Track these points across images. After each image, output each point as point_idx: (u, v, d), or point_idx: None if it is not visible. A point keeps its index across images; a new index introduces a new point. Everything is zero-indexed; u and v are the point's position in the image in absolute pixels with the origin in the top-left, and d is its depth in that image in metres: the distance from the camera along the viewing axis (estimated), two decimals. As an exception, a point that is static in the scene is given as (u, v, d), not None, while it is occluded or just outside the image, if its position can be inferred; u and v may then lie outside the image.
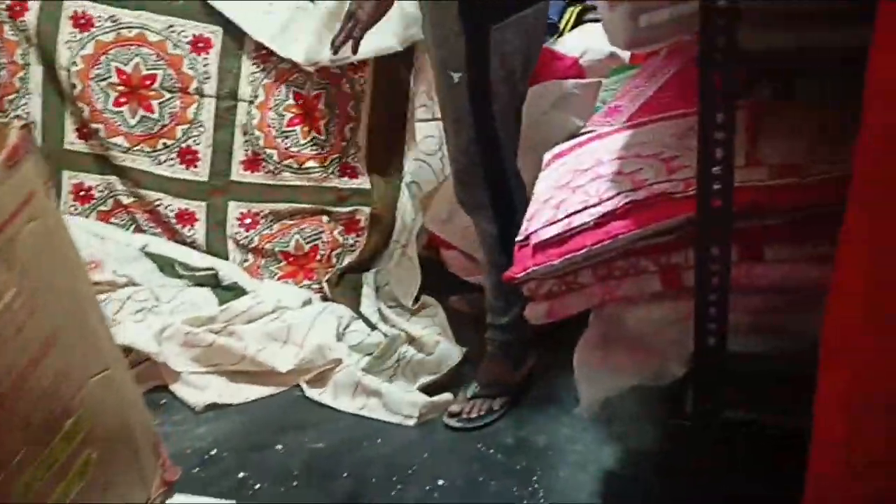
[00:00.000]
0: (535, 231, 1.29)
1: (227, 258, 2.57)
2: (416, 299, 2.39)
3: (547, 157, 1.54)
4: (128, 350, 2.08)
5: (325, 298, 2.45)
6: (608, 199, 1.24)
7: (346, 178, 2.54)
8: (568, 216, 1.27)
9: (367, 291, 2.45)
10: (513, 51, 1.74)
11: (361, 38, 1.80)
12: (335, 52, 1.83)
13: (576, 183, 1.33)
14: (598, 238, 1.22)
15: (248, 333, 2.18)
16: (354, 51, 1.84)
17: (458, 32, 1.71)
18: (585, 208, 1.26)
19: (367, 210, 2.54)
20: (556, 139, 2.25)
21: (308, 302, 2.32)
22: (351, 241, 2.55)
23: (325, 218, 2.56)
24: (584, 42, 2.32)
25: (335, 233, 2.56)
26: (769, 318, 1.22)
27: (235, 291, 2.39)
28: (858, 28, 0.88)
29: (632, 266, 1.24)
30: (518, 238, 1.33)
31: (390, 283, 2.45)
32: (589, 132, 1.65)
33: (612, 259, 1.25)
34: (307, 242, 2.57)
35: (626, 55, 2.28)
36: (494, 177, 1.83)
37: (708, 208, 1.06)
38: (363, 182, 2.54)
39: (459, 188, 1.91)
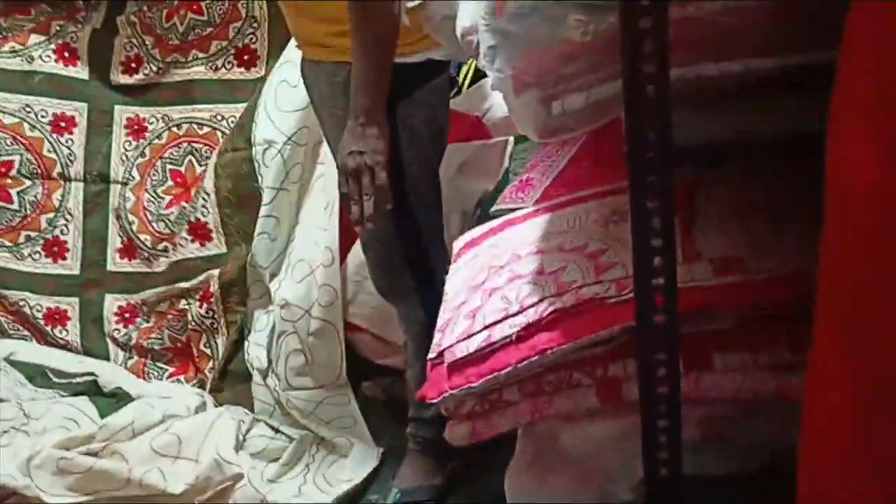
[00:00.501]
0: (450, 347, 1.11)
1: (108, 359, 2.30)
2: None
3: (457, 246, 1.37)
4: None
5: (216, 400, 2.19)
6: (531, 307, 1.07)
7: (196, 244, 2.25)
8: (486, 327, 1.09)
9: (255, 385, 2.17)
10: (421, 125, 1.59)
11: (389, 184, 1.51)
12: (363, 228, 1.52)
13: (492, 283, 1.16)
14: (523, 355, 1.05)
15: (133, 452, 1.92)
16: (380, 208, 1.52)
17: None
18: (506, 317, 1.08)
19: (214, 272, 2.23)
20: (464, 207, 2.11)
21: (202, 406, 2.07)
22: (209, 322, 2.26)
23: (182, 302, 2.29)
24: (487, 98, 2.17)
25: (193, 314, 2.26)
26: (719, 428, 1.07)
27: (119, 398, 2.12)
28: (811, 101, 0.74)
29: (563, 380, 1.07)
30: (430, 355, 1.14)
31: (296, 357, 2.13)
32: (501, 211, 1.48)
33: (541, 373, 1.07)
34: (180, 333, 2.30)
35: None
36: (417, 259, 1.65)
37: (650, 318, 0.90)
38: (216, 243, 2.25)
39: (379, 277, 1.73)
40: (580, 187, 1.35)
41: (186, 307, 2.24)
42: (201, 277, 2.21)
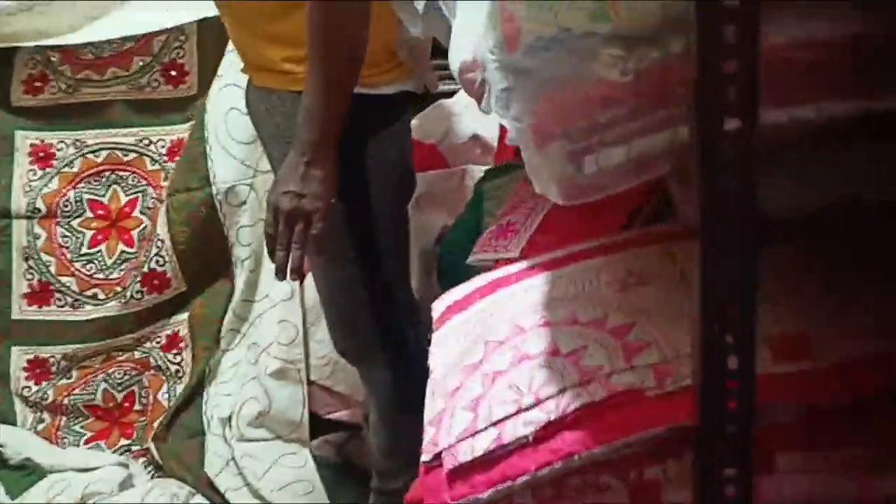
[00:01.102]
0: (450, 448, 0.91)
1: (14, 423, 2.02)
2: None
3: (438, 308, 1.16)
4: None
5: (153, 464, 1.94)
6: (550, 399, 0.88)
7: (153, 295, 2.03)
8: (494, 424, 0.90)
9: (213, 436, 1.95)
10: (391, 164, 1.41)
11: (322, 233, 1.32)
12: (284, 278, 1.33)
13: (493, 365, 0.96)
14: (544, 459, 0.86)
15: (49, 538, 1.66)
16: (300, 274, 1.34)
17: None
18: (518, 411, 0.89)
19: (183, 316, 2.04)
20: (422, 244, 1.90)
21: (128, 479, 1.81)
22: (174, 367, 2.05)
23: (137, 353, 2.06)
24: (441, 122, 1.98)
25: (152, 366, 2.05)
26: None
27: (29, 471, 1.84)
28: None
29: (589, 483, 0.89)
30: (424, 457, 0.94)
31: (252, 405, 1.93)
32: (481, 261, 1.29)
33: (563, 476, 0.89)
34: (119, 389, 2.05)
35: (492, 138, 1.96)
36: (385, 315, 1.44)
37: (720, 428, 0.72)
38: (178, 288, 2.05)
39: (340, 337, 1.52)
40: (577, 237, 1.16)
41: (145, 357, 2.01)
42: (168, 322, 2.01)
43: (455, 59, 0.81)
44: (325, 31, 1.21)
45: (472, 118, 1.99)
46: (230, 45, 1.84)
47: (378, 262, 1.42)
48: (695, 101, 0.62)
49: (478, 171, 1.97)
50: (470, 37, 0.80)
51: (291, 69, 1.34)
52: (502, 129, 1.98)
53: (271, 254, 1.32)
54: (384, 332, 1.48)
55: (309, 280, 1.87)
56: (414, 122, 2.04)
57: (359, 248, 1.39)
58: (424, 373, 1.50)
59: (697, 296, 0.70)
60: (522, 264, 1.14)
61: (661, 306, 0.94)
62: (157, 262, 1.99)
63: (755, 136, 0.63)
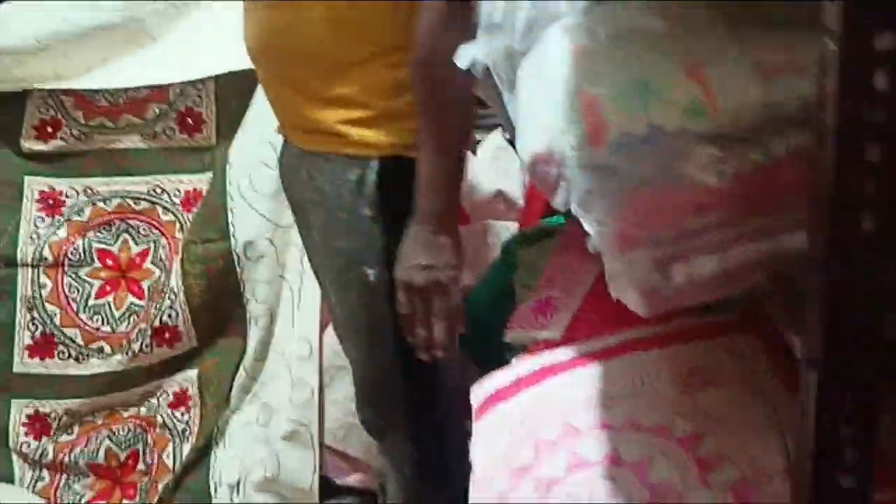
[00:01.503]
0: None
1: (12, 480, 1.93)
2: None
3: (478, 395, 1.09)
4: None
5: (156, 527, 1.85)
6: (616, 517, 0.81)
7: (163, 348, 1.96)
8: (551, 541, 0.82)
9: (220, 502, 1.87)
10: None
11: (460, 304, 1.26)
12: (430, 357, 1.27)
13: (546, 470, 0.89)
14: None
15: None
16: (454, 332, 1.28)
17: (376, 218, 1.27)
18: (579, 528, 0.82)
19: (193, 373, 1.97)
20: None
21: (131, 547, 1.72)
22: (182, 426, 1.96)
23: (143, 409, 1.97)
24: (465, 178, 1.92)
25: (159, 425, 1.97)
26: None
27: (24, 536, 1.75)
28: None
29: None
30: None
31: (259, 470, 1.85)
32: (519, 338, 1.22)
33: None
34: (123, 448, 1.96)
35: (516, 195, 1.90)
36: (422, 390, 1.37)
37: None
38: (188, 343, 1.97)
39: (369, 410, 1.44)
40: (626, 320, 1.09)
41: (151, 414, 1.93)
42: (176, 378, 1.92)
43: (525, 149, 0.75)
44: (435, 96, 1.16)
45: (495, 173, 1.94)
46: (257, 98, 1.79)
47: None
48: (820, 198, 0.54)
49: (500, 227, 1.91)
50: (542, 124, 0.74)
51: (346, 132, 1.27)
52: (529, 188, 1.93)
53: (411, 333, 1.26)
54: (418, 405, 1.40)
55: (327, 338, 1.81)
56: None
57: (399, 319, 1.32)
58: (447, 444, 1.44)
59: (805, 426, 0.63)
60: (569, 351, 1.07)
61: (731, 413, 0.87)
62: (168, 315, 1.91)
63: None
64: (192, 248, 1.89)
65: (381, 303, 1.31)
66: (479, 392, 1.10)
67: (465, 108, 1.20)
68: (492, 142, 1.97)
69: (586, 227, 0.69)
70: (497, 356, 1.44)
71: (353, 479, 1.87)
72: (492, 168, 1.93)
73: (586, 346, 1.07)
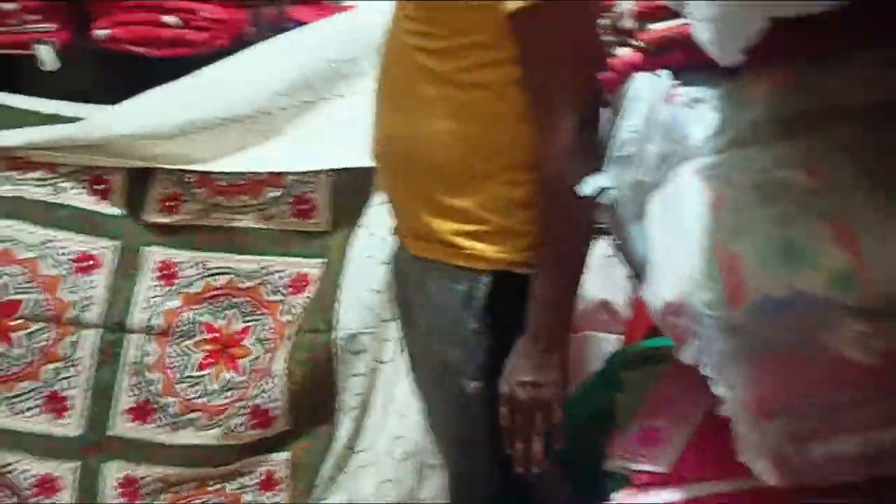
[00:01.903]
0: None
1: (101, 542, 1.97)
2: None
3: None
4: None
5: None
6: None
7: (257, 430, 1.99)
8: None
9: None
10: None
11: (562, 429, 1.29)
12: (526, 470, 1.29)
13: None
14: None
15: None
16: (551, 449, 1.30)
17: (482, 332, 1.28)
18: None
19: (284, 456, 1.98)
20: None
21: None
22: None
23: (229, 486, 2.00)
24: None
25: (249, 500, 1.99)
26: None
27: None
28: None
29: None
30: None
31: None
32: (619, 466, 1.19)
33: None
34: (214, 518, 1.99)
35: (621, 306, 1.88)
36: (511, 498, 1.36)
37: None
38: (282, 426, 2.00)
39: None
40: (741, 467, 1.04)
41: (238, 492, 1.96)
42: (267, 459, 1.96)
43: (657, 295, 0.75)
44: (560, 218, 1.18)
45: (600, 282, 1.93)
46: (377, 200, 1.84)
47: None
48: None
49: (602, 339, 1.89)
50: (676, 274, 0.73)
51: (459, 243, 1.29)
52: (637, 301, 1.90)
53: (510, 445, 1.27)
54: None
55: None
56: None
57: (498, 435, 1.31)
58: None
59: None
60: (676, 494, 1.03)
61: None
62: (266, 397, 1.95)
63: None
64: (300, 336, 1.95)
65: (476, 415, 1.31)
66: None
67: (588, 231, 1.21)
68: (599, 250, 1.97)
69: (716, 389, 0.68)
70: (587, 472, 1.41)
71: None
72: (597, 277, 1.92)
73: (695, 490, 1.03)
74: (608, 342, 1.85)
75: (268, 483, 2.00)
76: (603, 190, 0.97)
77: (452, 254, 1.30)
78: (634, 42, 1.09)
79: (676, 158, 0.84)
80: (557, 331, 1.24)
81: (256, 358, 2.03)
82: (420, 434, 1.82)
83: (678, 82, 0.98)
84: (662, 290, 0.74)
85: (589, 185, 0.97)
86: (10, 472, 1.97)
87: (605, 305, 1.93)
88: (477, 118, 1.25)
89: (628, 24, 1.10)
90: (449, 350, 1.33)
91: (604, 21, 1.19)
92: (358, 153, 1.81)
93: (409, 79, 1.29)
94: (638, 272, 0.96)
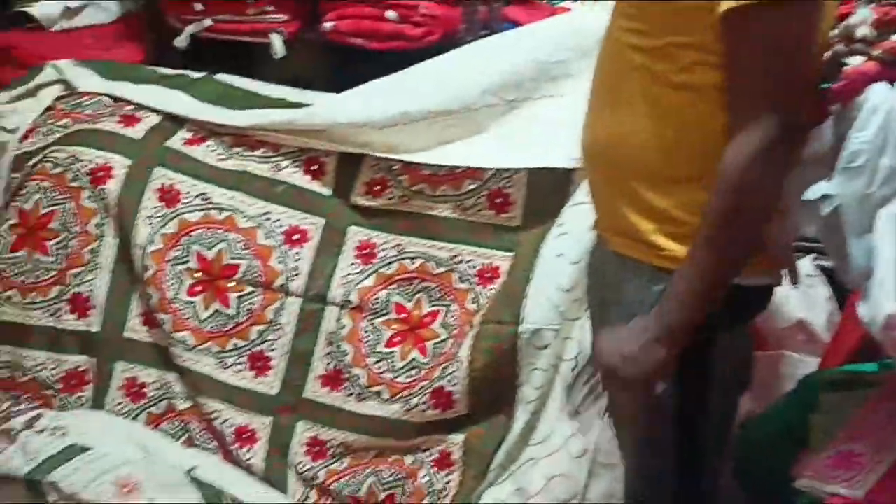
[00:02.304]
0: None
1: (285, 491, 2.13)
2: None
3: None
4: None
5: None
6: None
7: (437, 410, 2.08)
8: None
9: None
10: (734, 356, 1.34)
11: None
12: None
13: None
14: None
15: None
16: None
17: None
18: None
19: (459, 438, 2.07)
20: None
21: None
22: (440, 485, 2.07)
23: (408, 459, 2.11)
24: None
25: (420, 478, 2.09)
26: None
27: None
28: None
29: None
30: None
31: None
32: (808, 487, 1.17)
33: None
34: (384, 489, 2.11)
35: (820, 325, 1.82)
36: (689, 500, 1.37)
37: None
38: (460, 410, 2.09)
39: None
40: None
41: (415, 466, 2.07)
42: (444, 439, 2.05)
43: (876, 310, 0.74)
44: (736, 224, 1.16)
45: (800, 302, 1.87)
46: (576, 197, 1.88)
47: (697, 455, 1.34)
48: None
49: (796, 358, 1.83)
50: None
51: (659, 243, 1.29)
52: (841, 326, 1.83)
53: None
54: None
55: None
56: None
57: (682, 437, 1.32)
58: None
59: None
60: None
61: None
62: (449, 381, 2.04)
63: None
64: (486, 326, 2.02)
65: (664, 417, 1.32)
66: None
67: (745, 246, 1.19)
68: (801, 268, 1.91)
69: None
70: (771, 491, 1.39)
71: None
72: (795, 296, 1.87)
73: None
74: (804, 363, 1.79)
75: (442, 462, 2.08)
76: (826, 198, 0.96)
77: (652, 253, 1.30)
78: (871, 52, 1.06)
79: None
80: (680, 329, 1.22)
81: (442, 342, 2.12)
82: (595, 434, 1.84)
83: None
84: (885, 303, 0.73)
85: (813, 192, 0.96)
86: (215, 418, 2.18)
87: (803, 326, 1.87)
88: (683, 120, 1.25)
89: (865, 32, 1.07)
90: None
91: (838, 30, 1.16)
92: (560, 154, 1.86)
93: (620, 76, 1.30)
94: (853, 287, 0.94)
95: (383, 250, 2.19)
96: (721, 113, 1.19)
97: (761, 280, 1.31)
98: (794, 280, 1.40)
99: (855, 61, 1.08)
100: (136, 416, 2.22)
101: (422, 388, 2.08)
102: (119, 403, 2.22)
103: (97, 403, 2.22)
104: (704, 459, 1.37)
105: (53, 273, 2.25)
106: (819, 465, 1.18)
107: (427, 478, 2.08)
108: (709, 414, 1.33)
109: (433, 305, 2.15)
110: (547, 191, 2.04)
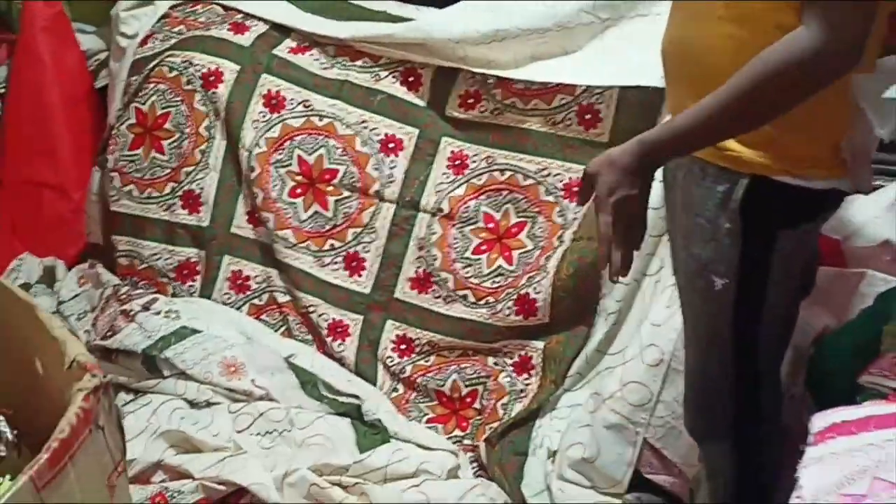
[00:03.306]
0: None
1: (374, 383, 2.29)
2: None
3: (820, 423, 1.13)
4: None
5: (478, 461, 2.09)
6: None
7: (519, 317, 2.19)
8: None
9: (536, 461, 2.06)
10: (796, 258, 1.38)
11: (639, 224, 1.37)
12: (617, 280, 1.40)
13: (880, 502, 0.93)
14: None
15: (382, 497, 1.87)
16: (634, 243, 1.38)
17: (734, 232, 1.35)
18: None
19: (540, 345, 2.18)
20: (798, 340, 1.82)
21: (455, 469, 1.98)
22: (520, 386, 2.20)
23: (490, 360, 2.23)
24: (852, 220, 1.89)
25: (501, 378, 2.21)
26: None
27: (377, 431, 2.08)
28: None
29: None
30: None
31: (578, 449, 1.98)
32: (874, 385, 1.22)
33: None
34: (466, 385, 2.24)
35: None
36: (748, 406, 1.44)
37: None
38: (542, 318, 2.19)
39: (695, 415, 1.54)
40: None
41: (497, 367, 2.19)
42: (526, 344, 2.17)
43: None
44: (749, 101, 1.20)
45: (884, 222, 1.87)
46: (662, 119, 1.92)
47: (756, 352, 1.41)
48: None
49: (879, 277, 1.85)
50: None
51: (726, 145, 1.33)
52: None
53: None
54: (741, 421, 1.46)
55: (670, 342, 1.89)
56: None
57: (742, 334, 1.38)
58: (768, 469, 1.46)
59: None
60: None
61: None
62: (534, 289, 2.14)
63: None
64: (577, 243, 2.12)
65: (724, 312, 1.38)
66: (822, 420, 1.14)
67: (764, 123, 1.23)
68: (892, 190, 1.91)
69: None
70: (841, 400, 1.44)
71: (662, 479, 1.94)
72: (885, 217, 1.87)
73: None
74: (886, 282, 1.81)
75: (522, 366, 2.20)
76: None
77: (718, 155, 1.34)
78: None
79: None
80: (649, 142, 1.28)
81: (528, 251, 2.21)
82: (671, 344, 1.91)
83: None
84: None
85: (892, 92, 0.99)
86: (311, 312, 2.33)
87: (886, 245, 1.87)
88: (757, 26, 1.26)
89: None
90: (702, 249, 1.39)
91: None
92: (651, 73, 1.88)
93: None
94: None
95: (474, 161, 2.27)
96: (797, 21, 1.21)
97: (829, 184, 1.34)
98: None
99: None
100: (241, 306, 2.39)
101: (507, 294, 2.19)
102: (225, 294, 2.40)
103: (206, 293, 2.41)
104: (762, 363, 1.43)
105: (168, 170, 2.42)
106: (885, 363, 1.24)
107: (508, 378, 2.20)
108: (768, 312, 1.38)
109: (520, 217, 2.23)
110: (636, 109, 2.07)
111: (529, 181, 2.23)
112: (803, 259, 1.42)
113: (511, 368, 2.21)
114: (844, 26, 1.15)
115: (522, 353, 2.20)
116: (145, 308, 2.28)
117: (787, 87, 1.19)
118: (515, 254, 2.23)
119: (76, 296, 2.47)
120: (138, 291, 2.39)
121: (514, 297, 2.18)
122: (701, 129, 1.26)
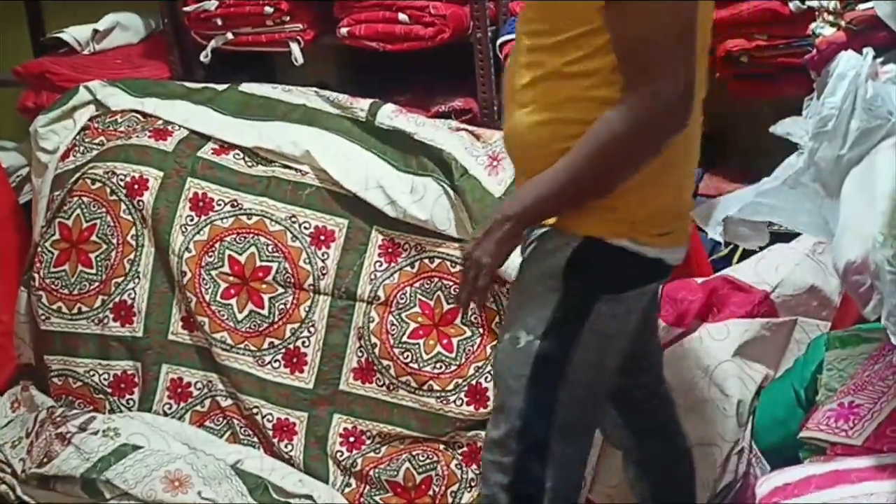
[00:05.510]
0: None
1: (326, 480, 2.23)
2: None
3: (765, 487, 1.13)
4: None
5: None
6: None
7: (471, 407, 2.17)
8: None
9: None
10: (614, 333, 1.38)
11: (489, 286, 1.42)
12: (463, 313, 1.48)
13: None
14: None
15: None
16: (481, 303, 1.51)
17: (554, 288, 1.36)
18: None
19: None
20: (741, 394, 1.83)
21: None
22: (471, 476, 2.17)
23: (441, 446, 2.20)
24: (777, 270, 1.93)
25: (452, 465, 2.18)
26: None
27: (332, 530, 2.02)
28: None
29: None
30: None
31: None
32: (813, 440, 1.23)
33: None
34: (419, 472, 2.20)
35: (831, 293, 1.87)
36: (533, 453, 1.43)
37: None
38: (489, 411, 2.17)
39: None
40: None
41: (448, 452, 2.18)
42: (471, 435, 2.15)
43: (840, 257, 0.81)
44: (595, 165, 1.27)
45: (812, 268, 1.92)
46: None
47: (548, 423, 1.40)
48: None
49: (810, 324, 1.88)
50: (861, 234, 0.80)
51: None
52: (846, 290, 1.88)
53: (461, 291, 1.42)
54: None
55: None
56: (746, 265, 2.02)
57: (533, 396, 1.39)
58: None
59: None
60: (868, 461, 1.08)
61: None
62: (485, 378, 2.13)
63: None
64: None
65: (521, 367, 1.39)
66: (766, 484, 1.14)
67: (610, 189, 1.30)
68: (809, 238, 1.96)
69: (895, 340, 0.74)
70: (787, 452, 1.45)
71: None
72: (806, 263, 1.92)
73: (886, 460, 1.07)
74: (817, 328, 1.84)
75: (471, 456, 2.16)
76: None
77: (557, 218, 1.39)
78: (839, 22, 1.12)
79: (879, 134, 0.89)
80: (522, 223, 1.35)
81: (468, 338, 2.19)
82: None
83: (882, 60, 1.01)
84: (847, 250, 0.80)
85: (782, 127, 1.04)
86: (255, 414, 2.28)
87: (815, 292, 1.92)
88: (579, 105, 1.32)
89: (832, 4, 1.13)
90: (518, 298, 1.44)
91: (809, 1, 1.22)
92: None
93: (520, 76, 1.39)
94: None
95: (406, 250, 2.26)
96: (617, 93, 1.28)
97: (657, 253, 1.38)
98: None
99: (826, 32, 1.14)
100: (182, 415, 2.33)
101: (457, 384, 2.17)
102: (166, 404, 2.34)
103: (145, 405, 2.34)
104: (557, 423, 1.41)
105: (97, 283, 2.37)
106: (822, 417, 1.25)
107: (459, 468, 2.17)
108: (568, 380, 1.39)
109: (449, 303, 2.22)
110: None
111: (458, 267, 2.22)
112: (617, 343, 1.42)
113: (461, 457, 2.18)
114: (665, 87, 1.22)
115: (470, 442, 2.18)
116: (82, 429, 2.20)
117: (625, 154, 1.25)
118: (455, 340, 2.21)
119: (10, 422, 2.38)
120: (74, 411, 2.31)
121: (465, 388, 2.16)
122: (558, 196, 1.32)
